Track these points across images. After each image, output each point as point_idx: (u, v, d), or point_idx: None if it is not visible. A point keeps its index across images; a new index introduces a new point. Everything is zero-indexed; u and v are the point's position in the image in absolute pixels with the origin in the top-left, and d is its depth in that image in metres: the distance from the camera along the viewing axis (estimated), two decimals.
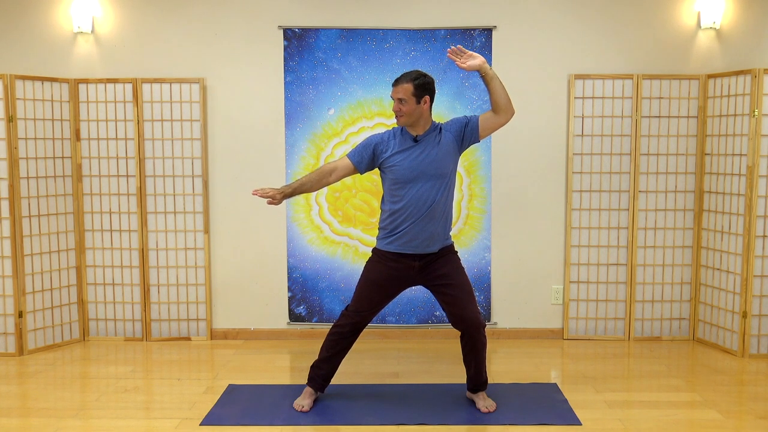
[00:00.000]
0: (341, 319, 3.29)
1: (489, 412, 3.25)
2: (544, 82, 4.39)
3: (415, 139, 3.11)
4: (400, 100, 3.05)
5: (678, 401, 3.42)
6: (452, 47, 3.09)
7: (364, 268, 3.28)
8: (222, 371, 3.90)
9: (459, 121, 3.16)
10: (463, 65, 3.05)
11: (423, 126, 3.12)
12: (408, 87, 3.03)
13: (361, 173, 3.21)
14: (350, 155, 3.19)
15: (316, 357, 3.37)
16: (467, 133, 3.13)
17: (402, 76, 3.08)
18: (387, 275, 3.19)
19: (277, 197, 3.08)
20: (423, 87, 3.05)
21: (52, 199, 4.28)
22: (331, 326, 3.34)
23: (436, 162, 3.08)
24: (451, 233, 3.25)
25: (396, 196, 3.12)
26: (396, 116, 3.11)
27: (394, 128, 3.22)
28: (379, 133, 3.23)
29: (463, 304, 3.15)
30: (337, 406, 3.33)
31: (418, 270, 3.16)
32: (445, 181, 3.11)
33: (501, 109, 3.08)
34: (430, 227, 3.10)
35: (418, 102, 3.05)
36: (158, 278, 4.46)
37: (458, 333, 3.25)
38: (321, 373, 3.33)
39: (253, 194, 3.07)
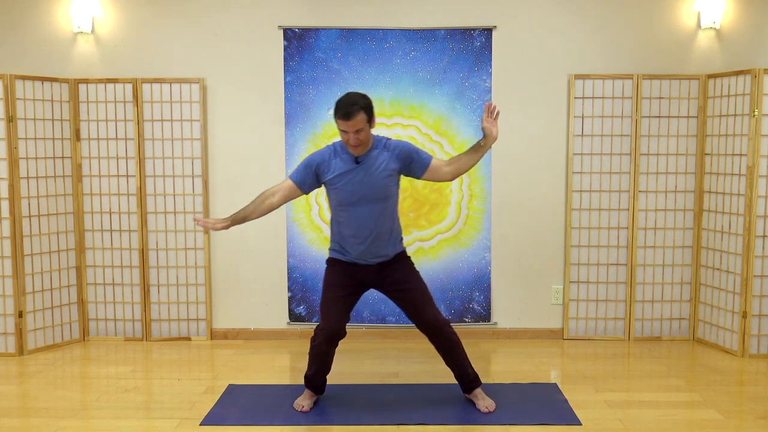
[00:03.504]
0: (315, 337, 3.22)
1: (489, 411, 3.24)
2: (544, 82, 4.39)
3: (357, 161, 3.07)
4: (357, 131, 2.96)
5: (678, 401, 3.42)
6: (491, 103, 3.09)
7: (323, 279, 3.27)
8: (222, 371, 3.90)
9: (408, 151, 3.11)
10: (485, 121, 3.08)
11: (365, 146, 3.06)
12: (362, 117, 2.95)
13: (306, 194, 3.19)
14: (292, 176, 3.14)
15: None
16: (412, 168, 3.12)
17: (349, 106, 2.92)
18: (344, 273, 3.20)
19: (218, 226, 3.07)
20: (370, 109, 3.01)
21: (52, 199, 4.28)
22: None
23: (377, 186, 3.06)
24: (402, 240, 3.27)
25: (341, 215, 3.14)
26: (352, 147, 3.01)
27: (334, 143, 3.15)
28: (319, 152, 3.17)
29: (421, 306, 3.17)
30: (337, 406, 3.33)
31: (375, 271, 3.18)
32: (388, 203, 3.12)
33: (459, 172, 3.13)
34: (375, 246, 3.13)
35: (371, 126, 3.04)
36: (158, 278, 4.46)
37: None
38: (316, 383, 3.33)
39: (194, 221, 3.13)
